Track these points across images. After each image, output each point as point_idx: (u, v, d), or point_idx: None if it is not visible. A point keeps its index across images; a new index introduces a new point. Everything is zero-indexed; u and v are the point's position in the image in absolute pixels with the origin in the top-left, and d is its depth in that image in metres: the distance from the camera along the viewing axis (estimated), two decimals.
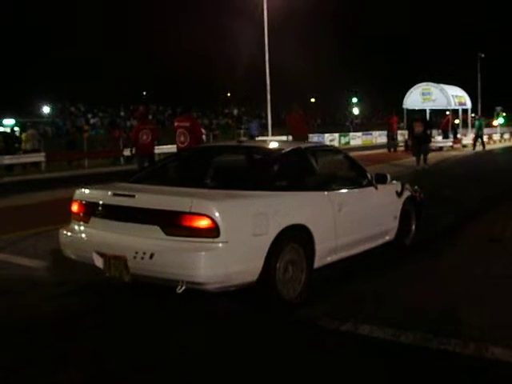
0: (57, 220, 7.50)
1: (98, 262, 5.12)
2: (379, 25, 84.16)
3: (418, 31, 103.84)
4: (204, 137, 12.26)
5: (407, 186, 7.60)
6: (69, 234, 5.58)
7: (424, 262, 6.84)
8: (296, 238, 5.27)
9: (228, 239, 4.62)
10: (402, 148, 30.55)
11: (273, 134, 35.26)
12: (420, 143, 19.13)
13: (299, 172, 6.02)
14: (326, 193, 5.90)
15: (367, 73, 78.88)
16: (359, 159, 7.89)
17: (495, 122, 54.63)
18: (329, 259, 5.83)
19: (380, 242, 6.88)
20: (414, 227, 7.66)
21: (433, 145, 25.52)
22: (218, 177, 5.95)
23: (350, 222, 6.10)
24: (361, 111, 77.46)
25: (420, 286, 5.84)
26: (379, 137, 45.89)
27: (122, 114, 67.92)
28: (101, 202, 5.32)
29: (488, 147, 36.17)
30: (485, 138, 40.30)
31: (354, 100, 73.55)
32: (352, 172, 6.88)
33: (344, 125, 64.40)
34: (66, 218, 5.89)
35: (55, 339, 4.56)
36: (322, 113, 79.59)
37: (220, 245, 4.60)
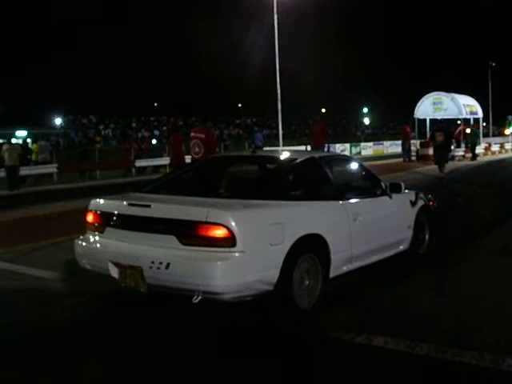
0: (70, 231, 7.56)
1: (114, 272, 5.13)
2: (391, 34, 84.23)
3: (430, 40, 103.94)
4: (217, 149, 12.32)
5: (421, 195, 7.56)
6: (84, 244, 5.58)
7: (437, 272, 6.80)
8: (311, 248, 5.25)
9: (244, 249, 4.61)
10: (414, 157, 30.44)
11: (284, 145, 35.33)
12: (441, 152, 19.34)
13: (314, 181, 6.00)
14: (340, 202, 5.88)
15: (378, 83, 78.93)
16: (377, 168, 7.87)
17: (507, 131, 54.41)
18: (344, 269, 5.81)
19: (394, 251, 6.84)
20: (427, 237, 7.61)
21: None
22: (232, 186, 5.96)
23: (364, 231, 6.07)
24: (372, 121, 77.39)
25: (433, 297, 5.79)
26: (390, 147, 45.85)
27: (134, 125, 68.33)
28: (116, 212, 5.33)
29: (500, 156, 36.06)
30: (496, 147, 40.22)
31: (365, 110, 73.53)
32: (366, 181, 6.87)
33: (355, 135, 64.37)
34: (79, 228, 5.92)
35: (67, 350, 4.57)
36: (333, 123, 79.64)
37: (236, 254, 4.59)
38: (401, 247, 6.98)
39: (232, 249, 4.58)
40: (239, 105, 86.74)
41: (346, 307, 5.52)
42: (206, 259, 4.60)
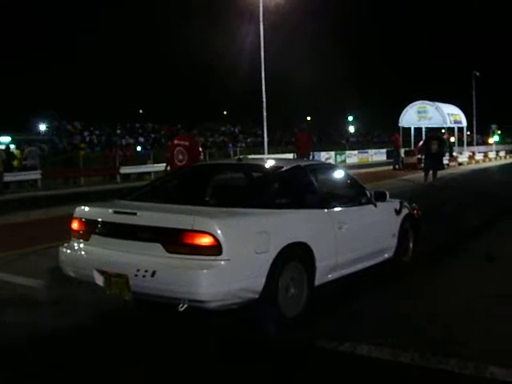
0: (53, 238, 7.51)
1: (99, 279, 5.09)
2: (376, 42, 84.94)
3: (415, 49, 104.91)
4: (201, 156, 12.21)
5: (405, 203, 7.62)
6: (69, 251, 5.54)
7: (422, 280, 6.79)
8: (297, 256, 5.26)
9: (230, 257, 4.61)
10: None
11: (269, 153, 35.35)
12: (435, 160, 19.88)
13: (299, 190, 6.02)
14: (326, 210, 5.90)
15: (363, 91, 79.44)
16: (367, 176, 7.91)
17: (491, 140, 55.06)
18: (330, 277, 5.82)
19: (379, 259, 6.88)
20: (412, 245, 7.66)
21: None
22: (218, 195, 5.95)
23: (350, 239, 6.10)
24: (357, 129, 77.80)
25: (418, 305, 5.80)
26: (375, 155, 46.16)
27: (119, 131, 68.09)
28: (101, 220, 5.31)
29: (484, 165, 36.44)
30: (480, 156, 40.66)
31: (350, 118, 73.96)
32: (352, 190, 6.90)
33: (340, 143, 64.67)
34: (63, 235, 5.89)
35: (50, 358, 4.54)
36: (318, 131, 79.92)
37: (222, 262, 4.59)
38: (385, 255, 7.02)
39: (218, 257, 4.58)
40: (224, 112, 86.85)
41: (330, 315, 5.50)
42: (192, 267, 4.58)
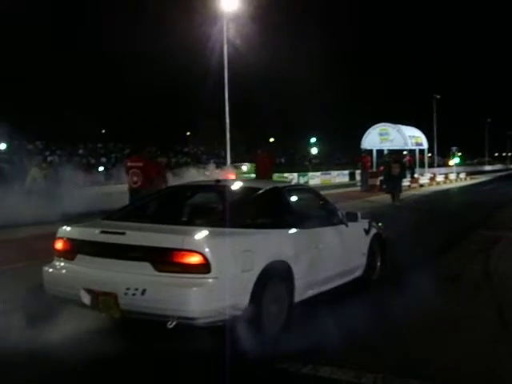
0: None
1: (86, 298, 5.17)
2: (338, 64, 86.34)
3: (376, 72, 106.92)
4: (166, 178, 11.81)
5: (373, 223, 7.93)
6: (53, 271, 5.60)
7: (385, 299, 6.68)
8: (278, 274, 5.47)
9: (218, 275, 4.79)
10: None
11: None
12: (396, 183, 20.91)
13: (278, 210, 6.24)
14: (303, 230, 6.14)
15: (326, 113, 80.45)
16: (332, 198, 8.09)
17: (451, 162, 56.07)
18: (308, 293, 6.07)
19: (351, 277, 7.17)
20: (379, 263, 7.97)
21: None
22: (203, 215, 6.10)
23: (325, 258, 6.36)
24: (319, 151, 78.56)
25: (381, 324, 5.81)
26: (337, 176, 46.59)
27: (81, 151, 67.40)
28: (88, 240, 5.41)
29: (445, 186, 37.09)
30: (441, 178, 41.41)
31: (313, 140, 74.65)
32: (325, 210, 7.16)
33: (303, 164, 65.11)
34: (21, 257, 5.78)
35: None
36: (281, 152, 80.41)
37: (210, 280, 4.77)
38: (356, 273, 7.32)
39: (206, 275, 4.76)
40: (188, 133, 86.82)
41: (294, 336, 5.45)
42: (181, 285, 4.75)
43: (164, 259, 4.85)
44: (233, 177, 25.13)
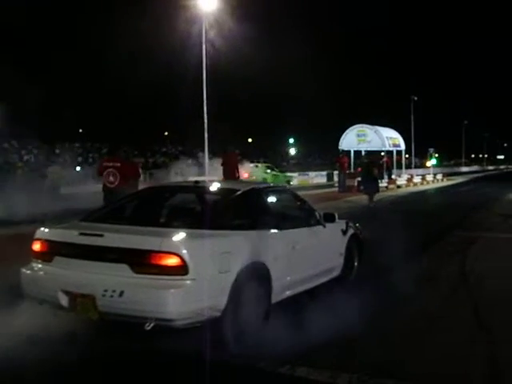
0: None
1: (63, 300, 5.17)
2: (317, 65, 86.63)
3: (354, 73, 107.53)
4: (141, 177, 11.90)
5: (351, 224, 8.02)
6: (31, 273, 5.58)
7: (361, 300, 6.58)
8: (255, 275, 5.52)
9: (196, 276, 4.83)
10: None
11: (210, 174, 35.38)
12: (373, 184, 21.26)
13: (257, 211, 6.28)
14: (281, 231, 6.20)
15: (304, 114, 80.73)
16: (311, 199, 8.11)
17: (428, 163, 56.54)
18: (285, 294, 6.13)
19: (328, 277, 7.26)
20: (356, 263, 8.09)
21: None
22: (180, 216, 6.12)
23: (302, 259, 6.44)
24: (297, 152, 78.82)
25: (357, 324, 5.72)
26: (315, 177, 46.76)
27: (58, 151, 66.78)
28: (66, 241, 5.40)
29: (421, 187, 37.38)
30: (418, 179, 41.76)
31: (291, 141, 74.96)
32: (303, 211, 7.24)
33: (281, 165, 65.23)
34: None
35: None
36: (259, 153, 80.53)
37: (188, 282, 4.80)
38: (334, 273, 7.42)
39: (184, 277, 4.79)
40: (165, 133, 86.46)
41: (271, 335, 5.47)
42: (159, 287, 4.78)
43: (142, 261, 4.87)
44: (246, 175, 25.02)
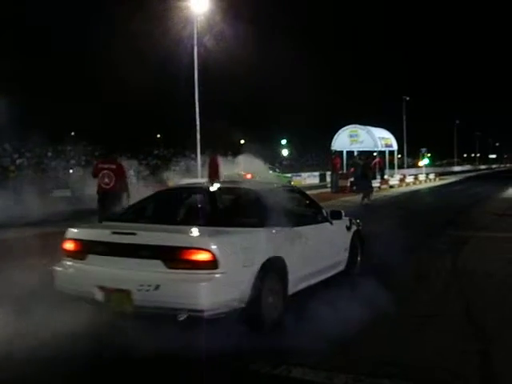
0: None
1: (99, 296, 5.54)
2: (309, 66, 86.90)
3: (347, 73, 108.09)
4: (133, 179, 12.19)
5: (354, 220, 8.50)
6: (65, 270, 5.95)
7: (354, 299, 6.54)
8: (274, 269, 5.96)
9: (225, 270, 5.26)
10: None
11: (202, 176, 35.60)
12: (367, 184, 22.72)
13: (273, 210, 6.59)
14: (295, 228, 6.65)
15: (296, 114, 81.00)
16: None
17: (421, 163, 56.82)
18: (298, 287, 6.58)
19: (335, 271, 7.75)
20: (359, 258, 8.57)
21: None
22: (203, 215, 6.49)
23: (313, 254, 6.92)
24: (290, 152, 79.03)
25: (344, 323, 5.72)
26: (308, 178, 47.06)
27: (50, 154, 66.77)
28: (100, 240, 5.77)
29: (414, 187, 37.58)
30: (411, 179, 42.03)
31: (284, 141, 75.13)
32: (312, 209, 7.76)
33: (273, 166, 65.40)
34: None
35: None
36: (253, 155, 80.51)
37: (218, 275, 5.23)
38: (340, 268, 7.91)
39: (214, 271, 5.22)
40: (158, 135, 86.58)
41: (267, 335, 5.61)
42: (192, 280, 5.19)
43: (175, 257, 5.27)
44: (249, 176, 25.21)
